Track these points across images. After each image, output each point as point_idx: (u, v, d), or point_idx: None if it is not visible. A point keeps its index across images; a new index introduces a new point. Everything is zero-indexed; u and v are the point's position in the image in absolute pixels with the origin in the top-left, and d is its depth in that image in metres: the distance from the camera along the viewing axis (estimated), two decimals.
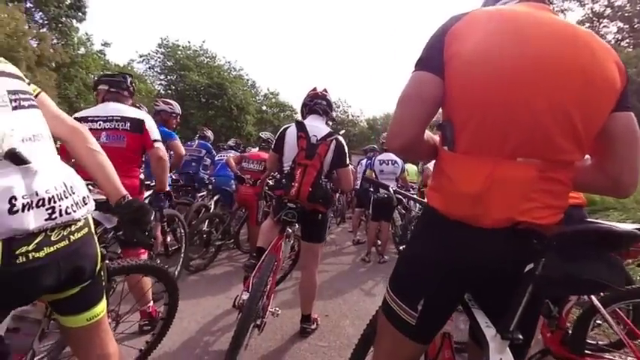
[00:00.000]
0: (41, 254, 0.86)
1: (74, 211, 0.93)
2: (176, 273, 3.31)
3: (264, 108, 26.89)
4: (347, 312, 3.13)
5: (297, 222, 2.38)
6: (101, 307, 1.10)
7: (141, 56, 20.87)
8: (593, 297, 1.73)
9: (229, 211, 4.57)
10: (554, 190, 0.87)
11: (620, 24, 25.26)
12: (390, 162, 5.00)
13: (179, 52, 21.06)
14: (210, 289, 3.40)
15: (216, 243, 4.09)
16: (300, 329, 2.63)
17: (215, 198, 4.72)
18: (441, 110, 0.99)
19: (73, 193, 0.95)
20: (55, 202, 0.88)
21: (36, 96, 1.03)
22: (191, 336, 2.50)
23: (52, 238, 0.89)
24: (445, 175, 0.95)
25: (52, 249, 0.89)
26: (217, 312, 2.91)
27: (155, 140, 2.35)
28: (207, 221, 4.02)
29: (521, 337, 0.85)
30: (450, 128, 0.93)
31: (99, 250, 1.07)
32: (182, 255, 3.40)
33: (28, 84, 1.02)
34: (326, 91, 2.61)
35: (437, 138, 1.03)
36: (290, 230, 2.74)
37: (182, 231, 3.38)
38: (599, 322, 1.95)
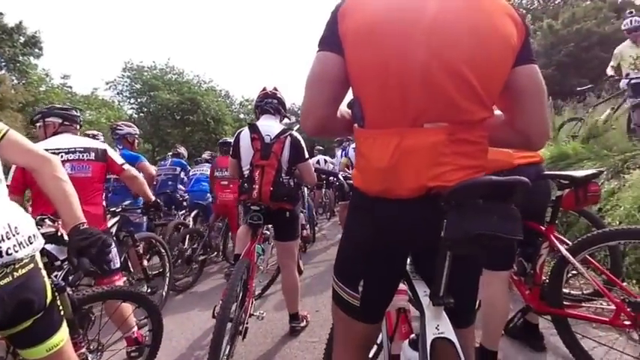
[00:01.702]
0: None
1: (16, 252, 0.96)
2: (163, 294, 3.29)
3: (241, 116, 26.64)
4: None
5: (266, 223, 2.38)
6: (60, 337, 1.11)
7: (107, 83, 20.50)
8: (561, 247, 1.76)
9: (207, 224, 4.54)
10: (467, 150, 0.87)
11: None
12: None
13: (145, 73, 20.66)
14: (199, 304, 3.37)
15: (199, 259, 4.05)
16: (290, 329, 2.63)
17: (193, 214, 4.69)
18: None
19: (17, 234, 0.98)
20: None
21: (2, 137, 1.11)
22: (181, 353, 2.48)
23: None
24: (360, 153, 0.95)
25: None
26: (207, 326, 2.89)
27: (122, 164, 2.40)
28: (186, 238, 3.99)
29: (452, 301, 0.86)
30: (357, 105, 0.93)
31: (47, 283, 1.09)
32: (167, 276, 3.37)
33: None
34: (276, 90, 2.60)
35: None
36: (267, 233, 2.74)
37: (163, 252, 3.35)
38: (575, 272, 1.97)
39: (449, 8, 0.83)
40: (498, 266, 1.75)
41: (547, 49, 16.33)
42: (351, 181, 1.88)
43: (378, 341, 1.31)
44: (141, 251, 3.00)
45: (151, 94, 20.26)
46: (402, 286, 1.14)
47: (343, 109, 1.04)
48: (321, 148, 9.34)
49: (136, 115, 20.38)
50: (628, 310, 1.53)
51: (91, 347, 1.78)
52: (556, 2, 23.35)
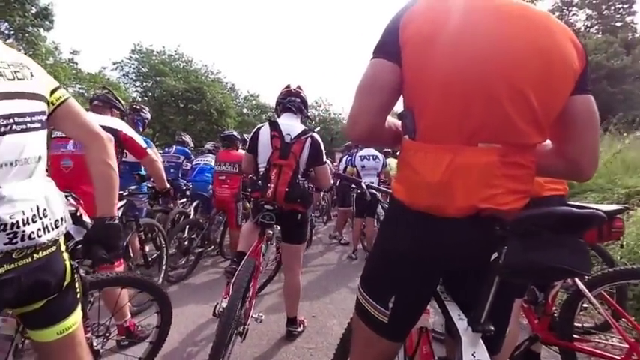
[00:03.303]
0: (1, 270, 0.88)
1: (39, 236, 0.94)
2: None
3: (244, 110, 26.58)
4: (334, 311, 3.10)
5: (276, 223, 2.33)
6: (72, 320, 1.08)
7: (114, 63, 20.33)
8: (577, 281, 1.74)
9: (207, 216, 4.48)
10: (517, 174, 0.85)
11: (589, 11, 26.10)
12: (371, 157, 4.99)
13: (154, 58, 20.53)
14: (192, 298, 3.32)
15: (196, 250, 3.99)
16: (286, 333, 2.59)
17: (194, 204, 4.63)
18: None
19: (45, 217, 0.96)
20: (18, 227, 0.89)
21: (59, 105, 1.08)
22: (174, 347, 2.42)
23: (14, 256, 0.91)
24: (408, 165, 0.92)
25: (12, 265, 0.91)
26: (201, 321, 2.84)
27: (146, 147, 2.39)
28: (186, 229, 3.93)
29: (492, 328, 0.83)
30: (409, 117, 0.91)
31: (68, 265, 1.07)
32: (163, 265, 3.31)
33: (53, 91, 1.07)
34: (300, 88, 2.56)
35: (399, 124, 1.01)
36: (270, 232, 2.70)
37: (162, 240, 3.29)
38: (585, 305, 1.95)
39: (519, 28, 0.82)
40: (514, 294, 1.72)
41: None
42: (374, 191, 1.88)
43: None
44: (143, 237, 2.94)
45: (157, 79, 20.14)
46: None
47: (391, 119, 1.01)
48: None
49: (140, 99, 20.22)
50: None
51: (99, 332, 1.74)
52: None
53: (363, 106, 0.94)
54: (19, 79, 0.96)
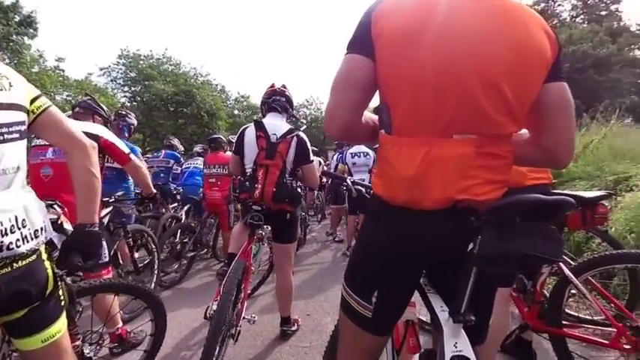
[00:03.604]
0: None
1: (17, 247, 0.94)
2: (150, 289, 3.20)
3: (235, 112, 26.47)
4: (329, 309, 3.10)
5: (266, 223, 2.32)
6: (57, 328, 1.08)
7: (101, 69, 20.09)
8: (564, 267, 1.75)
9: (199, 219, 4.46)
10: (493, 164, 0.85)
11: (574, 1, 26.35)
12: (361, 154, 4.99)
13: (141, 62, 20.30)
14: (186, 302, 3.30)
15: (189, 255, 3.97)
16: (281, 332, 2.58)
17: (185, 208, 4.61)
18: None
19: (24, 227, 0.96)
20: None
21: (39, 114, 1.08)
22: (167, 352, 2.40)
23: None
24: (384, 159, 0.92)
25: None
26: (194, 325, 2.82)
27: (128, 153, 2.35)
28: (178, 233, 3.90)
29: (473, 318, 0.83)
30: (385, 111, 0.91)
31: (50, 273, 1.06)
32: (155, 270, 3.28)
33: (33, 100, 1.07)
34: (285, 87, 2.55)
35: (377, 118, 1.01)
36: (262, 233, 2.69)
37: (152, 245, 3.26)
38: (573, 291, 1.96)
39: (490, 20, 0.81)
40: (500, 283, 1.73)
41: None
42: (359, 187, 1.87)
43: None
44: (132, 243, 2.91)
45: (146, 84, 19.94)
46: (412, 299, 1.11)
47: (368, 114, 1.01)
48: (315, 149, 9.28)
49: (129, 104, 20.02)
50: (629, 333, 1.53)
51: (92, 339, 1.73)
52: (554, 22, 23.87)
53: (339, 102, 0.93)
54: None
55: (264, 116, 2.47)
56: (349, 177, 2.06)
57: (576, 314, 2.42)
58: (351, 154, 5.03)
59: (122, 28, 57.56)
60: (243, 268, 2.05)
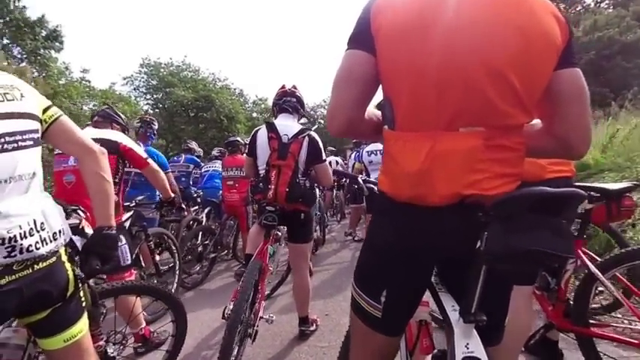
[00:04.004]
0: (2, 282, 0.92)
1: (37, 249, 0.97)
2: (172, 290, 3.28)
3: (254, 115, 26.72)
4: (347, 309, 2.98)
5: (281, 224, 2.34)
6: (78, 328, 1.12)
7: (124, 78, 20.78)
8: (589, 264, 1.67)
9: (219, 222, 4.53)
10: (503, 157, 0.82)
11: None
12: (378, 152, 4.93)
13: (162, 70, 20.86)
14: (207, 303, 3.36)
15: (210, 256, 4.04)
16: (299, 332, 2.59)
17: (206, 211, 4.69)
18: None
19: (42, 230, 1.00)
20: (16, 241, 0.93)
21: (51, 123, 1.13)
22: (189, 352, 2.45)
23: (14, 268, 0.95)
24: (388, 155, 0.90)
25: (13, 277, 0.95)
26: (215, 325, 2.87)
27: (146, 158, 2.41)
28: (199, 235, 3.99)
29: (484, 318, 0.80)
30: (388, 106, 0.89)
31: (71, 275, 1.11)
32: (177, 272, 3.37)
33: (45, 110, 1.12)
34: (295, 88, 2.56)
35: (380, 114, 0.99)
36: (279, 234, 2.70)
37: (174, 248, 3.35)
38: (600, 289, 1.87)
39: (493, 8, 0.78)
40: (522, 281, 1.67)
41: None
42: (371, 185, 1.86)
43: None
44: (153, 246, 2.99)
45: (167, 91, 20.46)
46: (425, 298, 1.08)
47: (371, 110, 0.99)
48: (332, 149, 9.28)
49: (152, 111, 20.60)
50: None
51: (115, 339, 1.79)
52: (577, 9, 22.91)
53: (341, 99, 0.92)
54: (8, 100, 1.01)
55: (275, 117, 2.49)
56: (361, 175, 2.04)
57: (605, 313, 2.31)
58: (368, 152, 4.99)
59: (143, 38, 59.40)
60: (259, 268, 2.07)
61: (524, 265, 0.70)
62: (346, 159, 9.02)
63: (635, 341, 1.56)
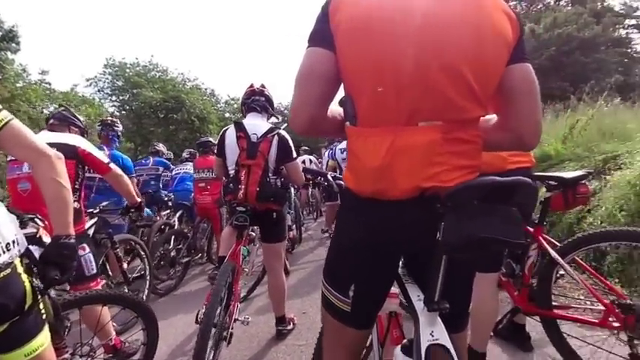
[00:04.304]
0: None
1: None
2: (144, 298, 3.18)
3: (227, 115, 26.28)
4: None
5: (253, 224, 2.31)
6: (39, 342, 1.07)
7: (87, 79, 19.91)
8: (550, 249, 1.75)
9: (192, 225, 4.44)
10: (461, 150, 0.84)
11: None
12: None
13: (128, 70, 20.10)
14: (181, 308, 3.27)
15: (183, 261, 3.95)
16: (276, 332, 2.58)
17: (178, 214, 4.58)
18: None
19: None
20: None
21: (1, 128, 1.06)
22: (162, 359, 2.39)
23: None
24: (352, 152, 0.91)
25: None
26: (190, 331, 2.80)
27: (108, 162, 2.29)
28: (171, 239, 3.89)
29: (447, 306, 0.82)
30: (350, 103, 0.90)
31: (28, 287, 1.05)
32: (147, 279, 3.26)
33: None
34: (264, 87, 2.55)
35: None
36: (253, 234, 2.67)
37: (143, 254, 3.24)
38: (562, 272, 1.96)
39: (447, 6, 0.80)
40: (487, 268, 1.73)
41: (529, 52, 16.65)
42: (341, 182, 1.86)
43: (367, 344, 1.28)
44: (120, 254, 2.88)
45: (134, 92, 19.78)
46: (394, 290, 1.10)
47: (334, 107, 1.00)
48: (307, 148, 9.29)
49: (118, 113, 19.85)
50: (617, 311, 1.53)
51: (82, 352, 1.72)
52: (538, 7, 23.91)
53: (302, 97, 0.92)
54: None
55: (244, 117, 2.46)
56: (331, 173, 2.04)
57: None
58: (341, 149, 5.02)
59: (106, 38, 57.00)
60: (231, 270, 2.04)
61: (479, 252, 0.72)
62: (321, 157, 9.06)
63: (596, 321, 1.64)
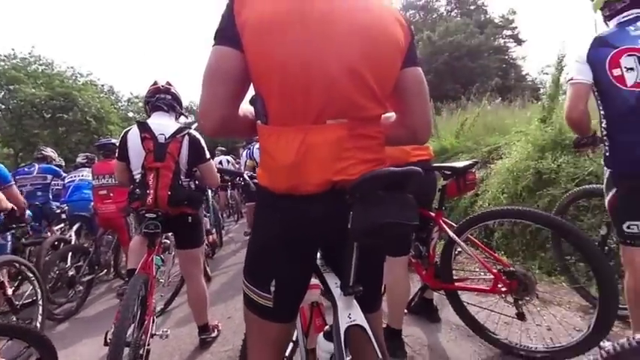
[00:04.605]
0: None
1: None
2: (37, 326, 2.74)
3: (130, 114, 23.94)
4: None
5: (165, 231, 2.16)
6: None
7: None
8: (448, 230, 1.98)
9: (93, 238, 3.97)
10: (365, 145, 0.91)
11: None
12: None
13: (2, 64, 17.02)
14: (86, 333, 2.91)
15: (84, 279, 3.51)
16: (200, 342, 2.46)
17: (75, 227, 4.02)
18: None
19: None
20: None
21: None
22: None
23: None
24: (265, 150, 0.92)
25: None
26: (100, 355, 2.51)
27: None
28: (68, 257, 3.41)
29: (361, 289, 0.88)
30: (260, 101, 0.90)
31: None
32: (40, 304, 2.82)
33: None
34: (170, 84, 2.38)
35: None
36: (167, 242, 2.49)
37: (32, 276, 2.79)
38: (459, 250, 2.23)
39: (342, 8, 0.86)
40: (398, 252, 1.89)
41: (427, 57, 18.65)
42: (257, 181, 1.85)
43: (294, 338, 1.30)
44: (2, 278, 2.45)
45: (10, 88, 16.76)
46: (314, 281, 1.14)
47: (245, 107, 0.99)
48: (223, 148, 8.98)
49: None
50: (503, 278, 1.81)
51: None
52: (434, 16, 26.66)
53: (211, 97, 0.89)
54: None
55: (148, 116, 2.28)
56: (246, 172, 2.01)
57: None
58: (258, 148, 4.97)
59: None
60: (143, 282, 1.88)
61: (383, 236, 0.79)
62: (239, 157, 8.84)
63: (487, 288, 1.91)
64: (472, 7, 27.74)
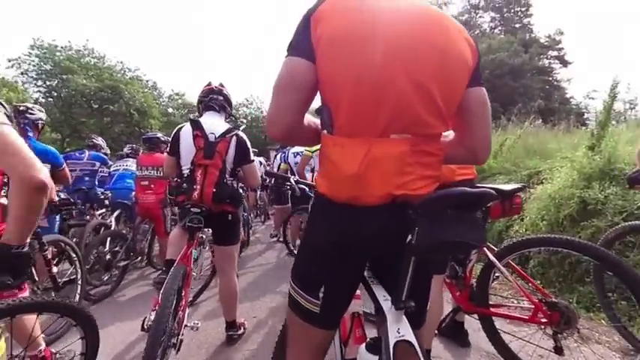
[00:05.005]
0: None
1: None
2: None
3: (170, 110, 25.02)
4: (275, 310, 3.08)
5: (206, 226, 2.23)
6: None
7: (9, 60, 17.67)
8: (489, 253, 1.93)
9: (131, 226, 4.14)
10: (426, 161, 0.92)
11: (493, 14, 29.22)
12: (303, 153, 5.02)
13: (58, 54, 18.21)
14: (118, 316, 3.04)
15: (120, 264, 3.67)
16: (226, 338, 2.51)
17: (115, 214, 4.22)
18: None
19: None
20: None
21: None
22: None
23: None
24: (327, 159, 0.94)
25: None
26: (130, 339, 2.62)
27: None
28: (107, 241, 3.58)
29: (413, 304, 0.89)
30: (327, 112, 0.93)
31: None
32: (79, 283, 2.98)
33: None
34: (222, 86, 2.48)
35: (318, 122, 1.03)
36: (203, 237, 2.57)
37: (74, 257, 2.95)
38: (497, 274, 2.16)
39: (418, 27, 0.88)
40: (434, 270, 1.86)
41: None
42: (303, 186, 1.89)
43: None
44: (49, 256, 2.60)
45: (63, 78, 17.93)
46: (358, 291, 1.15)
47: (309, 116, 1.02)
48: (255, 150, 9.15)
49: (44, 100, 17.89)
50: (544, 309, 1.73)
51: None
52: (475, 33, 26.19)
53: (281, 104, 0.93)
54: None
55: (200, 115, 2.37)
56: (293, 177, 2.05)
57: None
58: (294, 153, 5.04)
59: (35, 18, 51.20)
60: (182, 273, 1.95)
61: (449, 254, 0.79)
62: (269, 160, 8.98)
63: (526, 317, 1.84)
64: (517, 26, 27.08)
